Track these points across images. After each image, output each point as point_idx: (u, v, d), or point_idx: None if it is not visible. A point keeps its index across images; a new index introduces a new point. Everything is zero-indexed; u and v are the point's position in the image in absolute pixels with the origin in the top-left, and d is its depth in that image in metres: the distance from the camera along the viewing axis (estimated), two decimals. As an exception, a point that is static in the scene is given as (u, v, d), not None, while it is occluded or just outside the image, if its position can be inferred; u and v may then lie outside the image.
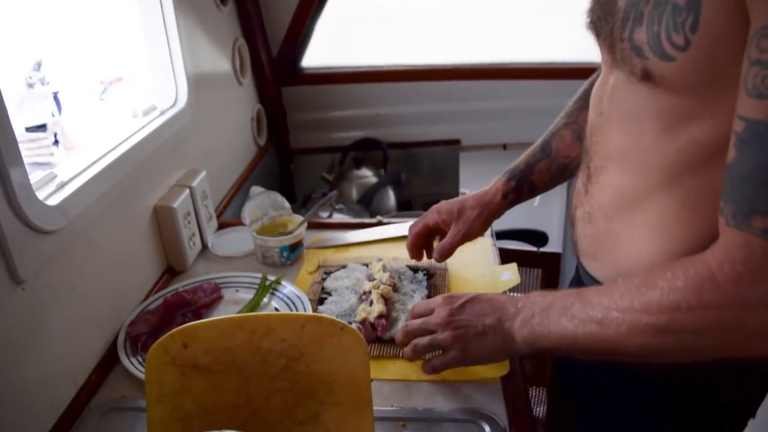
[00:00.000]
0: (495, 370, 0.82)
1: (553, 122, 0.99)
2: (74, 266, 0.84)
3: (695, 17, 0.53)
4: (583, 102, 0.94)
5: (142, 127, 1.09)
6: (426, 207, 1.95)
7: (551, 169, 0.97)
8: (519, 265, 1.03)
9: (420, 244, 1.05)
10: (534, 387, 1.71)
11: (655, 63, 0.59)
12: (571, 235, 0.86)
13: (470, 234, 0.99)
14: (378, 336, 0.90)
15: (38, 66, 3.87)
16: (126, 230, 1.01)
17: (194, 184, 1.19)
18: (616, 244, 0.74)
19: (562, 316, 0.67)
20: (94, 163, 0.92)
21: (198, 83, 1.31)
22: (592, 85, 0.95)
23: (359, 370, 0.72)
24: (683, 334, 0.58)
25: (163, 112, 1.18)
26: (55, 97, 3.98)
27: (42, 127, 3.43)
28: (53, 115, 3.74)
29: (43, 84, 3.86)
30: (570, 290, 0.69)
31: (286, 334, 0.73)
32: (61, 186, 0.84)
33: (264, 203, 1.17)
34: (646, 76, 0.61)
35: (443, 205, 1.02)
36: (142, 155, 1.04)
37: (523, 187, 0.98)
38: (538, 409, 1.69)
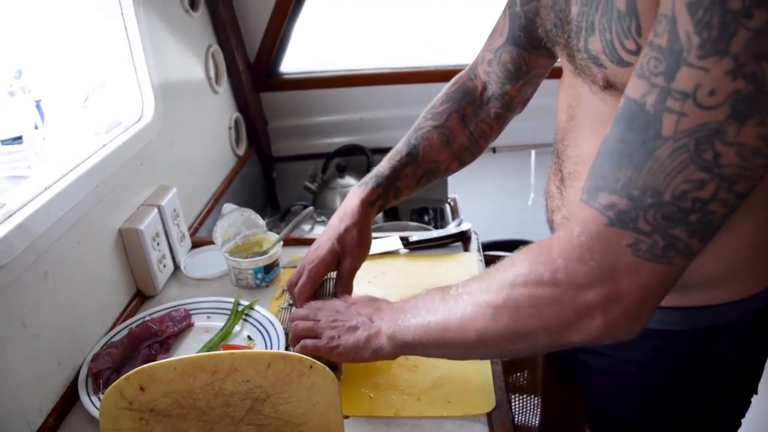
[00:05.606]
0: (481, 406, 0.76)
1: (417, 122, 0.96)
2: (24, 301, 0.78)
3: (636, 21, 0.52)
4: (452, 104, 0.94)
5: (104, 146, 1.02)
6: (413, 215, 1.93)
7: (417, 173, 0.93)
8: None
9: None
10: (526, 395, 1.66)
11: (615, 71, 0.57)
12: None
13: (363, 255, 0.91)
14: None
15: (19, 74, 3.78)
16: (88, 256, 0.94)
17: (163, 202, 1.13)
18: None
19: (423, 308, 0.66)
20: (47, 188, 0.86)
21: (167, 94, 1.25)
22: (458, 86, 0.97)
23: (331, 412, 0.67)
24: (516, 312, 0.56)
25: (127, 128, 1.12)
26: (38, 106, 3.89)
27: (18, 139, 3.34)
28: (36, 127, 3.65)
29: (24, 92, 3.78)
30: (441, 286, 0.68)
31: (251, 374, 0.67)
32: (9, 215, 0.78)
33: (237, 221, 1.11)
34: (609, 85, 0.60)
35: (325, 254, 0.88)
36: (103, 176, 0.98)
37: (389, 193, 0.93)
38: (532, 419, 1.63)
